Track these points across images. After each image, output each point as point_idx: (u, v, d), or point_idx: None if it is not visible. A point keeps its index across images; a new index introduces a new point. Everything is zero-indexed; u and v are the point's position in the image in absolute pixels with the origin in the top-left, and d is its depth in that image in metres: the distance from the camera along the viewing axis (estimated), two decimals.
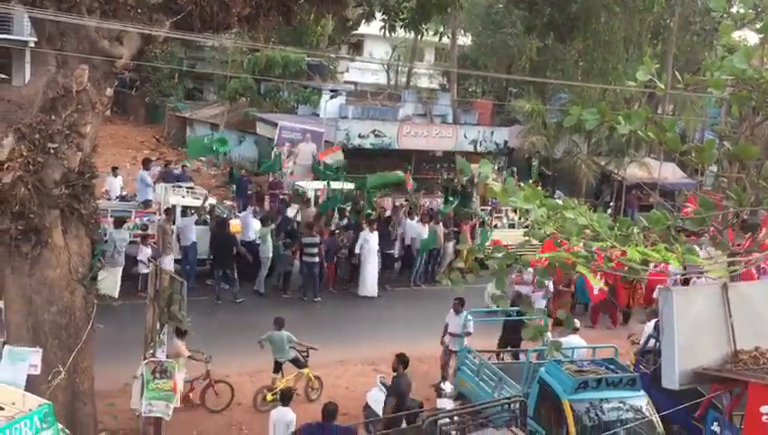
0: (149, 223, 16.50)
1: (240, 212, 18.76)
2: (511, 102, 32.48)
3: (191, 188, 18.62)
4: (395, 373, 10.31)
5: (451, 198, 20.75)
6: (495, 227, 20.94)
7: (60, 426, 7.29)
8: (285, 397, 10.02)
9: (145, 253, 14.88)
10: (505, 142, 30.07)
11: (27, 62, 20.14)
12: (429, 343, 13.52)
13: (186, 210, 16.68)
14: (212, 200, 19.84)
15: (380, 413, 10.57)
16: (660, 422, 9.90)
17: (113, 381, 10.88)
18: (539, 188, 6.29)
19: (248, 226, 16.96)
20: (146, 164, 18.35)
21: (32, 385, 8.13)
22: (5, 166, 8.29)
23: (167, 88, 38.25)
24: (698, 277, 14.04)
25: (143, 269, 14.97)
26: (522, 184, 6.61)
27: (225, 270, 16.28)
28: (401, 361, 10.32)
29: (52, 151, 8.78)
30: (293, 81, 30.78)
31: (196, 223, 16.76)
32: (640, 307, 17.49)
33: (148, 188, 17.51)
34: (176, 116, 36.92)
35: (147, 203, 16.96)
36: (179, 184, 18.42)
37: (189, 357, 11.26)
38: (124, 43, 9.37)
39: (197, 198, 17.79)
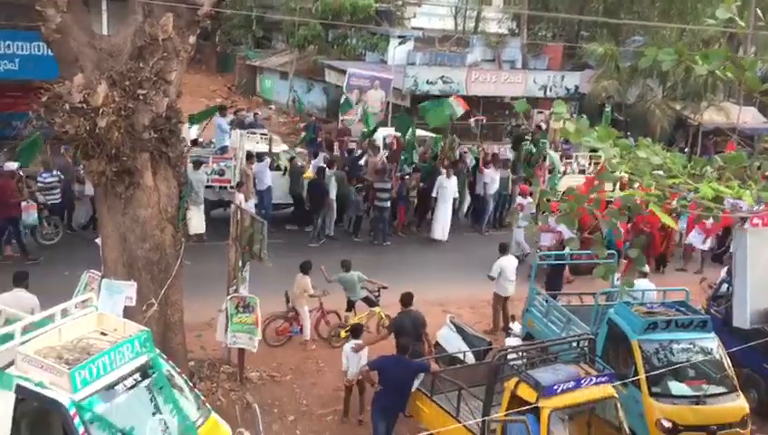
0: (226, 168, 17.08)
1: (313, 159, 19.16)
2: (582, 46, 31.68)
3: (264, 134, 19.13)
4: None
5: (524, 144, 20.61)
6: (565, 172, 20.81)
7: (157, 350, 7.92)
8: (356, 331, 10.50)
9: (239, 198, 15.43)
10: (576, 87, 29.54)
11: (104, 10, 20.76)
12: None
13: (261, 156, 17.18)
14: (284, 147, 20.42)
15: (449, 350, 10.97)
16: (731, 365, 9.97)
17: (200, 315, 11.56)
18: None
19: (265, 176, 17.22)
20: (222, 111, 18.90)
21: (127, 316, 8.80)
22: (101, 111, 8.81)
23: (237, 37, 38.79)
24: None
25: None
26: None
27: (318, 216, 16.96)
28: (402, 299, 10.65)
29: (141, 97, 9.26)
30: (362, 26, 30.72)
31: (270, 168, 17.30)
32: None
33: (224, 134, 18.07)
34: (246, 65, 37.52)
35: (223, 149, 17.54)
36: (254, 130, 18.93)
37: (312, 296, 12.09)
38: None
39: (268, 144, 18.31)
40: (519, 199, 17.61)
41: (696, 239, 16.96)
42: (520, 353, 8.55)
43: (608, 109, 24.63)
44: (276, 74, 35.62)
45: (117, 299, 9.48)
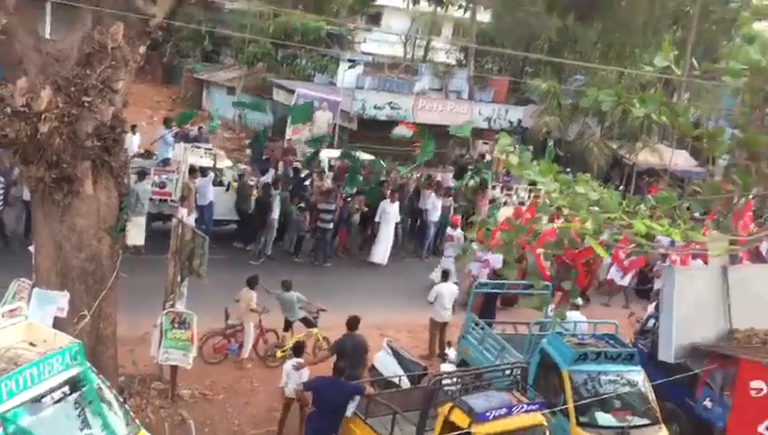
0: (168, 181, 16.86)
1: (260, 176, 19.08)
2: (527, 82, 32.58)
3: (209, 149, 18.99)
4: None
5: (468, 173, 21.00)
6: (505, 203, 21.25)
7: (88, 364, 7.73)
8: (298, 350, 10.48)
9: (182, 212, 15.23)
10: (519, 121, 30.29)
11: (48, 14, 20.41)
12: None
13: (204, 170, 17.04)
14: (228, 162, 20.28)
15: (385, 374, 11.03)
16: (655, 398, 10.32)
17: (134, 330, 11.32)
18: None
19: (207, 191, 17.14)
20: (168, 124, 18.67)
21: (58, 327, 8.55)
22: (43, 116, 8.64)
23: (185, 49, 38.45)
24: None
25: None
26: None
27: (261, 234, 16.99)
28: (348, 323, 10.82)
29: (86, 105, 9.11)
30: (313, 48, 30.89)
31: (213, 184, 17.16)
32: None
33: (168, 147, 17.87)
34: (193, 78, 37.17)
35: (166, 161, 17.34)
36: (198, 145, 18.77)
37: (252, 310, 12.01)
38: (158, 3, 9.67)
39: (212, 159, 18.17)
40: (449, 231, 17.62)
41: (615, 275, 17.54)
42: (454, 379, 8.67)
43: (551, 144, 25.34)
44: (223, 89, 35.39)
45: (48, 309, 9.24)
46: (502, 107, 30.53)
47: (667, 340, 7.44)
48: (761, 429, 6.77)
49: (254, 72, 33.90)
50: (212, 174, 17.24)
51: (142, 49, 9.81)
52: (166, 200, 17.02)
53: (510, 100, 35.30)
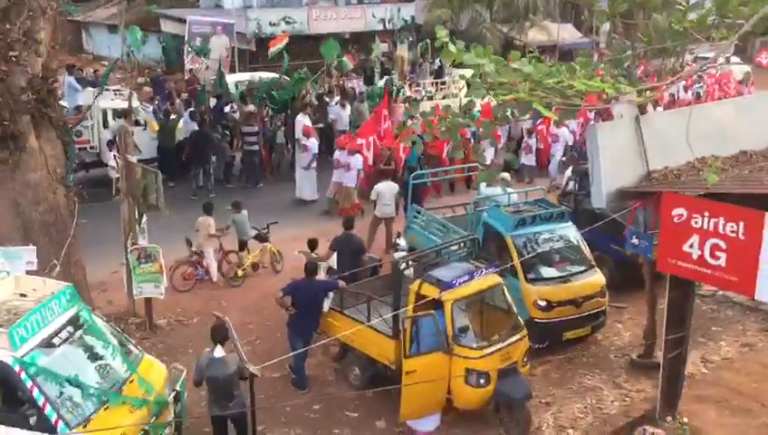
0: (83, 129, 16.65)
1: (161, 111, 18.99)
2: None
3: (117, 90, 18.68)
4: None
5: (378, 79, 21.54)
6: (415, 99, 21.97)
7: (82, 302, 8.17)
8: (312, 244, 11.50)
9: (112, 157, 15.18)
10: (413, 18, 30.69)
11: None
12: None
13: (123, 112, 16.88)
14: (135, 102, 19.99)
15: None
16: (587, 246, 11.62)
17: (102, 272, 11.63)
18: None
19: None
20: (70, 69, 18.17)
21: None
22: None
23: None
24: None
25: (114, 174, 15.36)
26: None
27: (203, 166, 17.07)
28: (344, 223, 11.65)
29: (13, 59, 9.13)
30: None
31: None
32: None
33: (77, 93, 17.49)
34: (67, 20, 35.30)
35: (78, 108, 17.01)
36: (106, 88, 18.38)
37: (212, 235, 12.51)
38: None
39: (125, 100, 17.91)
40: (303, 140, 17.07)
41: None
42: (420, 259, 9.57)
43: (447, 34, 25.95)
44: (104, 28, 33.97)
45: (17, 265, 9.41)
46: (394, 6, 30.77)
47: (597, 188, 8.46)
48: (685, 248, 7.96)
49: (136, 6, 32.58)
50: (131, 115, 17.07)
51: None
52: (85, 148, 16.86)
53: None
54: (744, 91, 25.31)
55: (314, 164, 16.88)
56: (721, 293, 12.81)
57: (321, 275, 10.81)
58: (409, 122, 16.55)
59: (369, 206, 15.03)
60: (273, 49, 22.54)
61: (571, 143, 19.24)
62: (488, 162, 11.60)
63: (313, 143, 16.95)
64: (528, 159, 18.78)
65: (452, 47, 7.16)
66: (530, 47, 33.47)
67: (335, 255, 11.32)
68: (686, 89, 22.31)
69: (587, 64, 7.25)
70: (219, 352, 7.85)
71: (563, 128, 18.98)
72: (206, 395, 8.36)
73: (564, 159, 18.64)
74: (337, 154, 16.23)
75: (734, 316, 12.36)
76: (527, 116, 7.18)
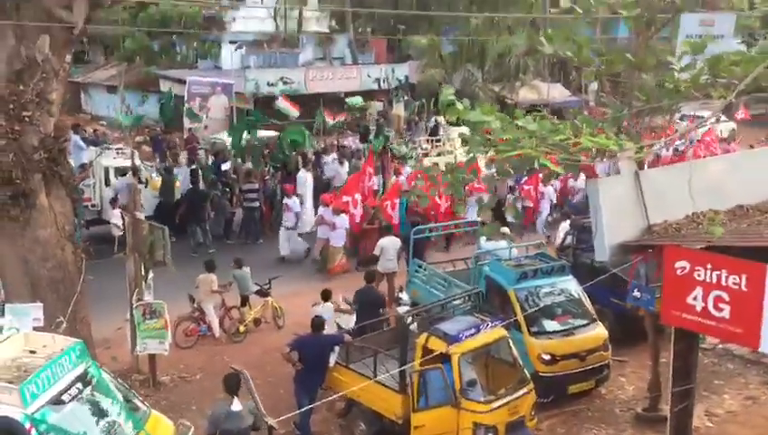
0: (86, 187, 16.81)
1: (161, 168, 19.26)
2: (407, 39, 33.67)
3: (120, 149, 18.96)
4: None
5: (374, 137, 21.94)
6: (410, 157, 22.35)
7: (91, 359, 8.17)
8: (326, 296, 11.50)
9: (115, 214, 15.32)
10: (406, 77, 31.39)
11: None
12: None
13: (124, 171, 17.11)
14: (137, 160, 20.25)
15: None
16: (588, 300, 11.73)
17: (106, 329, 11.62)
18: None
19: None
20: (75, 129, 18.47)
21: None
22: None
23: None
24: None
25: (117, 232, 15.45)
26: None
27: (199, 223, 17.14)
28: (366, 276, 11.71)
29: (27, 119, 9.33)
30: (197, 33, 30.65)
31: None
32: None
33: (82, 151, 17.74)
34: (67, 82, 35.90)
35: (83, 166, 17.22)
36: (108, 146, 18.70)
37: (215, 291, 12.60)
38: (74, 11, 9.89)
39: (127, 159, 18.18)
40: (285, 199, 17.33)
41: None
42: (425, 313, 9.66)
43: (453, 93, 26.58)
44: (102, 89, 34.53)
45: (24, 322, 9.45)
46: (388, 67, 31.55)
47: (600, 242, 8.63)
48: (689, 300, 8.09)
49: (135, 67, 33.26)
50: (130, 174, 17.28)
51: (68, 57, 10.06)
52: (86, 206, 16.99)
53: (389, 59, 36.35)
54: (729, 148, 25.73)
55: (299, 223, 16.92)
56: (721, 346, 12.90)
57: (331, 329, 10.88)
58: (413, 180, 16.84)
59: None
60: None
61: (554, 201, 19.56)
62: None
63: (295, 202, 17.04)
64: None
65: (458, 105, 7.44)
66: (521, 106, 34.30)
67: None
68: (667, 147, 22.74)
69: (589, 122, 7.53)
70: (237, 405, 7.84)
71: (549, 186, 19.31)
72: None
73: (551, 217, 18.96)
74: (321, 211, 16.37)
75: (735, 369, 12.41)
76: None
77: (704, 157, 20.18)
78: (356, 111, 26.37)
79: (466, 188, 12.64)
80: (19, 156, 9.21)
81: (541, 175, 17.57)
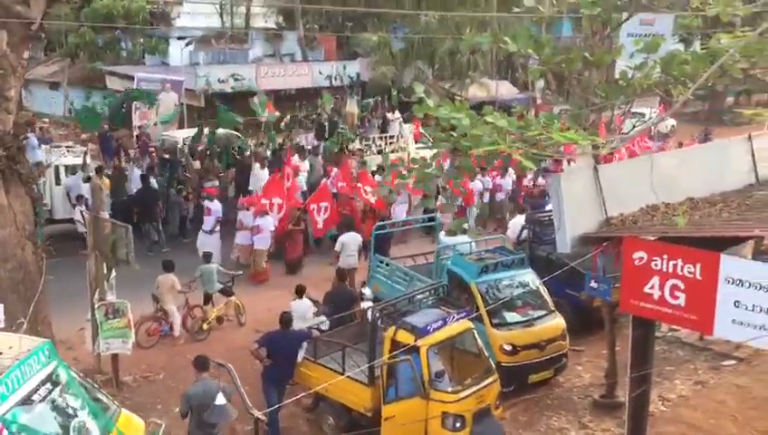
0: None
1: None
2: (356, 36, 33.73)
3: (69, 146, 18.57)
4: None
5: (329, 134, 21.99)
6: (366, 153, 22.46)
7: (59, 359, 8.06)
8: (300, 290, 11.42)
9: (76, 212, 15.00)
10: (358, 75, 31.46)
11: None
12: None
13: (74, 169, 16.78)
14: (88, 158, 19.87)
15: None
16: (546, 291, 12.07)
17: (67, 329, 11.42)
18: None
19: (79, 189, 16.71)
20: (29, 127, 17.94)
21: None
22: None
23: None
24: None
25: (81, 228, 15.10)
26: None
27: (153, 222, 16.81)
28: (338, 273, 12.14)
29: None
30: (144, 28, 30.10)
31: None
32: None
33: (35, 150, 17.28)
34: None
35: (38, 165, 16.77)
36: (57, 144, 18.30)
37: (180, 291, 12.49)
38: (31, 6, 9.71)
39: (77, 157, 17.87)
40: (206, 203, 16.20)
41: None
42: (391, 307, 9.81)
43: (395, 92, 26.81)
44: (45, 85, 33.62)
45: None
46: (339, 64, 31.56)
47: (562, 234, 8.93)
48: (646, 289, 8.44)
49: (78, 63, 32.48)
50: (81, 172, 17.00)
51: (26, 54, 9.88)
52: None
53: (339, 56, 36.35)
54: (664, 146, 26.08)
55: (218, 228, 15.78)
56: (671, 333, 13.43)
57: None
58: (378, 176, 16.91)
59: (276, 271, 15.55)
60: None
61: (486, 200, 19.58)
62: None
63: (217, 206, 15.97)
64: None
65: (429, 102, 7.61)
66: (471, 103, 34.69)
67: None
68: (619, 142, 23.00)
69: (552, 118, 7.79)
70: (221, 399, 7.83)
71: (508, 178, 19.67)
72: None
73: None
74: (240, 215, 15.75)
75: (685, 356, 12.93)
76: None
77: (639, 153, 20.75)
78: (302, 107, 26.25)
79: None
80: None
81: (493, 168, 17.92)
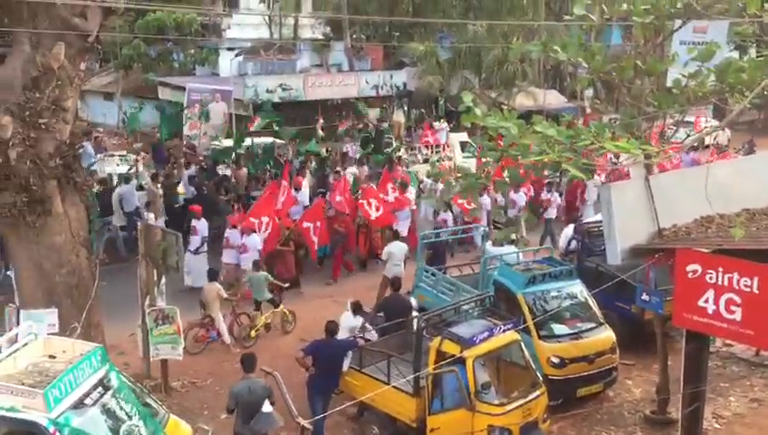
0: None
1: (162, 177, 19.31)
2: (403, 46, 33.82)
3: (123, 156, 19.03)
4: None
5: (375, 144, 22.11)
6: (413, 163, 22.50)
7: (111, 363, 8.23)
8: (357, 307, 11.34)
9: (150, 217, 15.35)
10: (404, 84, 31.53)
11: None
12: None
13: (127, 178, 17.16)
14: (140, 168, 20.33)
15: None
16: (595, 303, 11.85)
17: (118, 334, 11.66)
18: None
19: (132, 197, 17.04)
20: (86, 135, 18.53)
21: None
22: (10, 143, 8.89)
23: None
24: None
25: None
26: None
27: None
28: (393, 284, 12.13)
29: (42, 126, 9.40)
30: (196, 39, 30.72)
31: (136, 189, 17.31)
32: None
33: (91, 159, 17.78)
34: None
35: (92, 173, 17.27)
36: (111, 153, 18.77)
37: (226, 299, 12.62)
38: (89, 18, 9.97)
39: (131, 166, 18.29)
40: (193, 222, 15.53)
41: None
42: (438, 316, 9.75)
43: (442, 101, 26.80)
44: (99, 96, 34.54)
45: (39, 328, 9.51)
46: (386, 73, 31.66)
47: (613, 246, 8.76)
48: (700, 302, 8.22)
49: (131, 75, 33.28)
50: (135, 180, 17.38)
51: (83, 65, 10.14)
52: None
53: (386, 65, 36.49)
54: (703, 155, 25.07)
55: (204, 247, 15.31)
56: (725, 349, 13.06)
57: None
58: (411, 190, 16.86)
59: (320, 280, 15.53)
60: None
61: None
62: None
63: (203, 225, 15.39)
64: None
65: (477, 111, 7.55)
66: (518, 111, 34.40)
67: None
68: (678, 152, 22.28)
69: (601, 127, 7.66)
70: (267, 407, 7.89)
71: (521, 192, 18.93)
72: None
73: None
74: (227, 233, 15.12)
75: (740, 372, 12.56)
76: None
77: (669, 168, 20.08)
78: (349, 117, 26.48)
79: None
80: (35, 163, 9.27)
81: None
